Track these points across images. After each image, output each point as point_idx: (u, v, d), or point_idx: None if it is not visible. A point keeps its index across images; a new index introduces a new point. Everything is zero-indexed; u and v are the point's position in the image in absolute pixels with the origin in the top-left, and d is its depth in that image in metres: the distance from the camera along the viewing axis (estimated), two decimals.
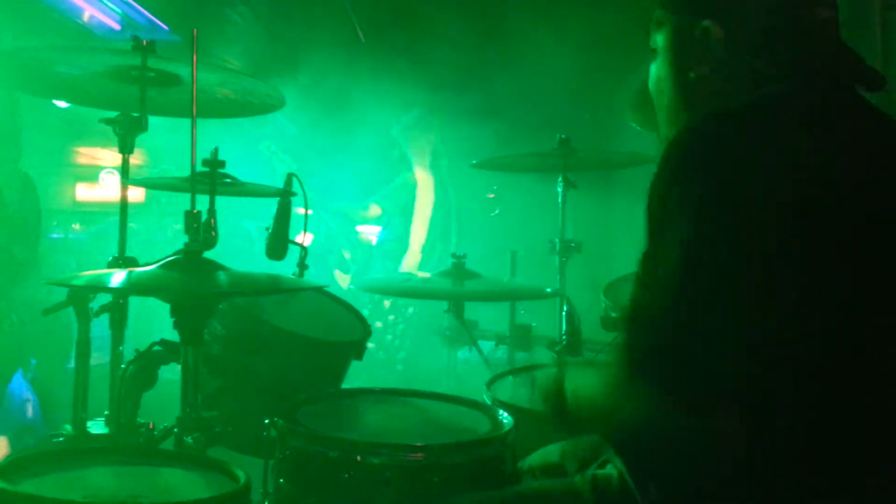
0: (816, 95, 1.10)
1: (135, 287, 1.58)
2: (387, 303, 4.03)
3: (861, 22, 2.49)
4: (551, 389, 1.19)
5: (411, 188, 4.30)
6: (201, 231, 1.52)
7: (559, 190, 2.80)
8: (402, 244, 4.32)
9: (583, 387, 1.13)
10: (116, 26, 4.43)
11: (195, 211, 1.55)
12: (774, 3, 1.12)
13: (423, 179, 4.32)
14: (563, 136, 2.70)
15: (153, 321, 2.94)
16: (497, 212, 4.81)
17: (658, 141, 1.29)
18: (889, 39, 2.48)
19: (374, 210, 4.54)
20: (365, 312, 3.90)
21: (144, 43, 1.96)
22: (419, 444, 1.45)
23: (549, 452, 1.54)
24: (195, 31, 1.60)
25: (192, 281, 1.52)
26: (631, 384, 1.00)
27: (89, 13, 4.29)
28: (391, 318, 4.05)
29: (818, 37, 1.13)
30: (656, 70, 1.25)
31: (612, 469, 1.29)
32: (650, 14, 1.25)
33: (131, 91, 2.00)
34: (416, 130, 4.36)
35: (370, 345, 3.89)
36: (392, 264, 4.29)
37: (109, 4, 4.26)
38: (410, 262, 4.23)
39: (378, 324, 4.04)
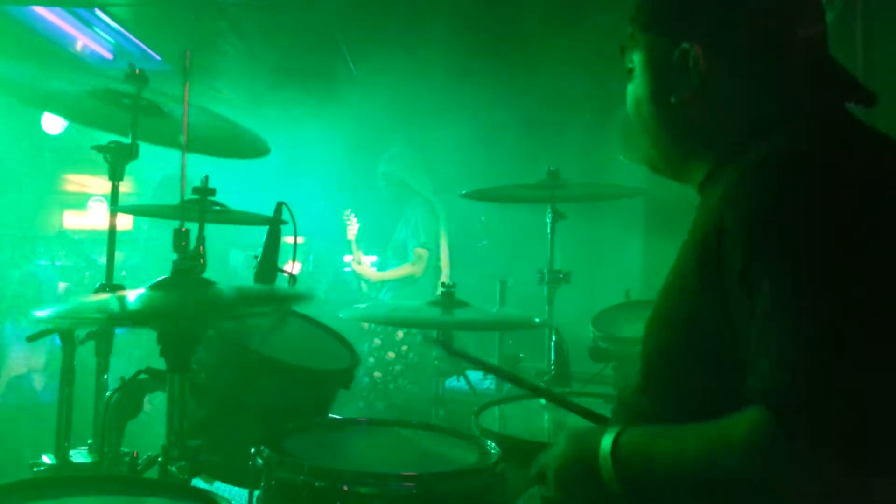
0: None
1: (121, 317, 1.55)
2: (399, 333, 3.99)
3: (842, 34, 2.46)
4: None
5: (411, 218, 4.29)
6: (189, 251, 1.50)
7: (548, 220, 2.82)
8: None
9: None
10: (109, 55, 4.47)
11: (184, 229, 1.53)
12: (758, 21, 1.04)
13: (427, 203, 4.32)
14: (552, 167, 2.73)
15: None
16: (485, 243, 4.82)
17: (647, 171, 1.26)
18: (871, 51, 2.44)
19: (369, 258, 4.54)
20: (376, 342, 3.90)
21: (137, 72, 1.98)
22: (410, 474, 1.44)
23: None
24: (188, 52, 1.61)
25: (181, 303, 1.50)
26: (807, 454, 0.82)
27: (82, 42, 4.32)
28: (404, 348, 4.00)
29: (807, 55, 1.06)
30: (634, 91, 1.16)
31: None
32: (624, 31, 1.16)
33: (123, 116, 2.01)
34: (402, 162, 4.37)
35: (376, 374, 3.88)
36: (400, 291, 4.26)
37: (102, 34, 4.30)
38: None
39: (390, 354, 3.99)
